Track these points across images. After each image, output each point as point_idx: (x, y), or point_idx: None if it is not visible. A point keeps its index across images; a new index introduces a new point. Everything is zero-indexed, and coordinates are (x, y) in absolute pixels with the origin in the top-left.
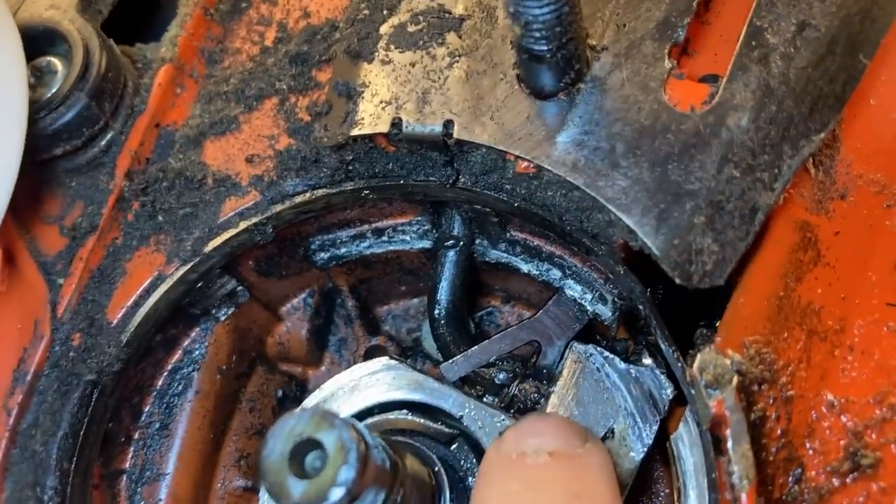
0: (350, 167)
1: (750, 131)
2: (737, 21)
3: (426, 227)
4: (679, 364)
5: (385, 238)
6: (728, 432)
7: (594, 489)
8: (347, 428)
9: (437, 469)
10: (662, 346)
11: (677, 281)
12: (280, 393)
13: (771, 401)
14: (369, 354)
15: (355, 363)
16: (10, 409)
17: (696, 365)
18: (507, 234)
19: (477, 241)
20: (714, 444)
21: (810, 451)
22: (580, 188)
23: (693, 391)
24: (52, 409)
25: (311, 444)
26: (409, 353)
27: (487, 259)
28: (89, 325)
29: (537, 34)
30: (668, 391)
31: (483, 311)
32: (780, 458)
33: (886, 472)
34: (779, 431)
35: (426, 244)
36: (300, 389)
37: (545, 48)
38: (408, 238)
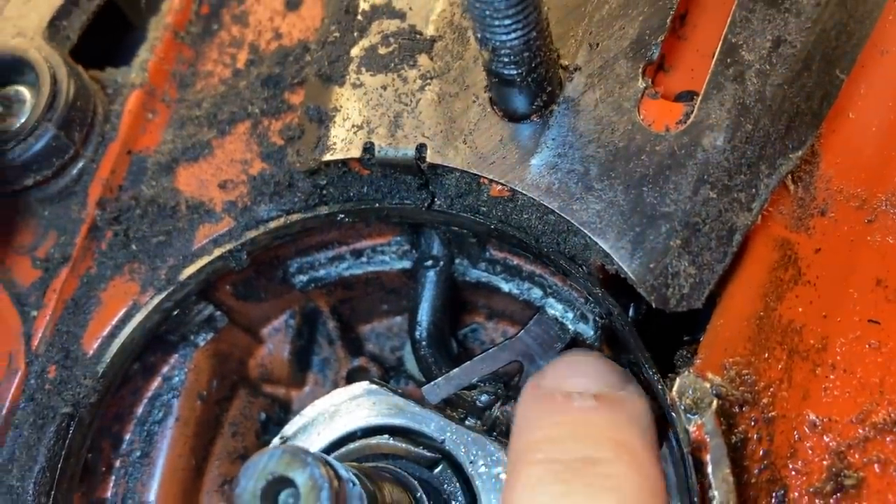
0: (324, 191)
1: (726, 151)
2: (713, 35)
3: (405, 248)
4: (660, 386)
5: (364, 259)
6: (708, 457)
7: (639, 439)
8: (319, 465)
9: (418, 494)
10: (643, 369)
11: (654, 305)
12: (263, 416)
13: (752, 422)
14: (351, 377)
15: (339, 383)
16: None
17: (675, 389)
18: (487, 254)
19: (457, 261)
20: (695, 468)
21: (793, 472)
22: (555, 212)
23: (673, 414)
24: (28, 443)
25: (284, 482)
26: (391, 373)
27: (468, 279)
28: (65, 356)
29: (506, 59)
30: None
31: (467, 328)
32: (763, 479)
33: (870, 492)
34: (761, 453)
35: (406, 264)
36: (284, 411)
37: (515, 72)
38: (387, 259)
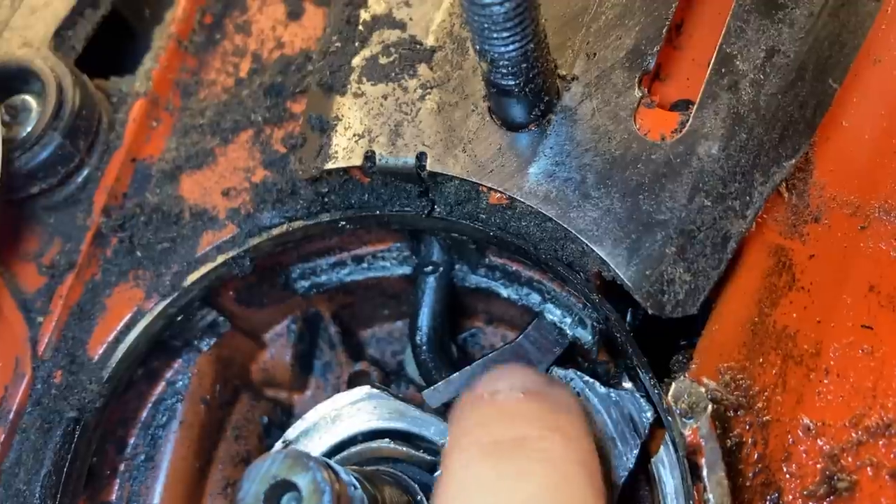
0: (326, 199)
1: (720, 160)
2: (709, 45)
3: (405, 254)
4: (656, 391)
5: (365, 265)
6: (703, 461)
7: (568, 423)
8: (321, 469)
9: (419, 498)
10: (640, 373)
11: (650, 311)
12: (266, 420)
13: (747, 426)
14: (353, 381)
15: (340, 388)
16: None
17: (671, 393)
18: (486, 260)
19: (456, 267)
20: (691, 471)
21: (787, 476)
22: (552, 219)
23: (669, 419)
24: (34, 448)
25: (287, 486)
26: (392, 377)
27: (467, 284)
28: (70, 361)
29: (504, 70)
30: (648, 414)
31: (467, 333)
32: (758, 482)
33: (863, 496)
34: (756, 456)
35: (406, 270)
36: (286, 415)
37: (513, 83)
38: (388, 265)
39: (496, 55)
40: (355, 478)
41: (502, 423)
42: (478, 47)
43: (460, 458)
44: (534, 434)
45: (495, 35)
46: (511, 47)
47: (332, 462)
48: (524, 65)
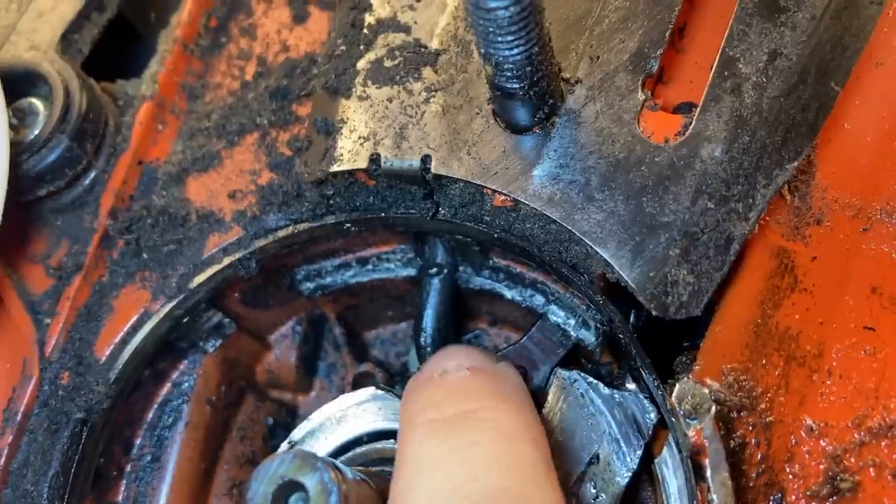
0: (331, 201)
1: (723, 162)
2: (712, 48)
3: (410, 256)
4: (660, 392)
5: (370, 267)
6: (707, 461)
7: (515, 394)
8: (329, 469)
9: None
10: (643, 374)
11: (654, 313)
12: (271, 421)
13: (750, 427)
14: (357, 382)
15: (345, 389)
16: (0, 449)
17: (674, 394)
18: (490, 262)
19: (460, 269)
20: (695, 472)
21: (790, 476)
22: (556, 221)
23: (673, 420)
24: (42, 449)
25: (294, 487)
26: (396, 378)
27: (471, 286)
28: (77, 363)
29: (508, 73)
30: (652, 415)
31: (471, 334)
32: (761, 483)
33: (865, 496)
34: (759, 457)
35: (411, 272)
36: (291, 416)
37: (517, 86)
38: (392, 266)
39: (501, 59)
40: (361, 478)
41: (450, 400)
42: (482, 51)
43: (412, 437)
44: (480, 406)
45: (500, 39)
46: (515, 51)
47: (339, 463)
48: (528, 68)
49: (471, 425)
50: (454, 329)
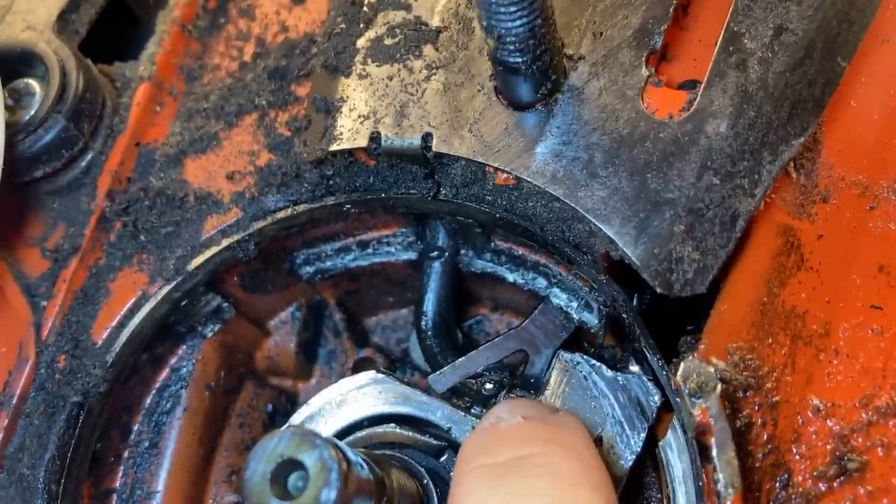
0: (331, 182)
1: (729, 138)
2: (716, 25)
3: (411, 239)
4: (664, 372)
5: (370, 250)
6: (712, 440)
7: (573, 440)
8: (329, 447)
9: (425, 482)
10: (647, 355)
11: (658, 290)
12: (270, 407)
13: (756, 407)
14: (358, 367)
15: (345, 375)
16: None
17: (679, 373)
18: (492, 244)
19: (462, 252)
20: (700, 452)
21: (797, 457)
22: (560, 199)
23: (678, 399)
24: (38, 432)
25: (293, 465)
26: (397, 364)
27: (473, 269)
28: (74, 346)
29: (511, 47)
30: (656, 398)
31: (472, 320)
32: (767, 463)
33: (873, 476)
34: (765, 437)
35: (411, 255)
36: (290, 403)
37: (520, 60)
38: (393, 250)
39: (503, 31)
40: (363, 459)
41: (502, 445)
42: (484, 23)
43: (465, 484)
44: (535, 451)
45: (502, 10)
46: (518, 23)
47: (339, 442)
48: (531, 41)
49: (524, 471)
50: (456, 314)
